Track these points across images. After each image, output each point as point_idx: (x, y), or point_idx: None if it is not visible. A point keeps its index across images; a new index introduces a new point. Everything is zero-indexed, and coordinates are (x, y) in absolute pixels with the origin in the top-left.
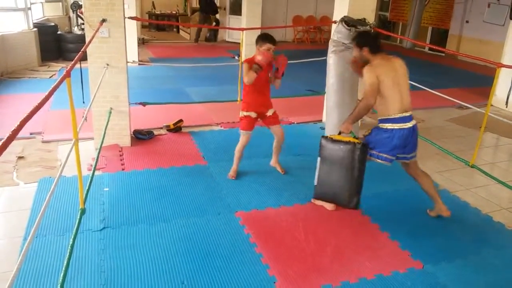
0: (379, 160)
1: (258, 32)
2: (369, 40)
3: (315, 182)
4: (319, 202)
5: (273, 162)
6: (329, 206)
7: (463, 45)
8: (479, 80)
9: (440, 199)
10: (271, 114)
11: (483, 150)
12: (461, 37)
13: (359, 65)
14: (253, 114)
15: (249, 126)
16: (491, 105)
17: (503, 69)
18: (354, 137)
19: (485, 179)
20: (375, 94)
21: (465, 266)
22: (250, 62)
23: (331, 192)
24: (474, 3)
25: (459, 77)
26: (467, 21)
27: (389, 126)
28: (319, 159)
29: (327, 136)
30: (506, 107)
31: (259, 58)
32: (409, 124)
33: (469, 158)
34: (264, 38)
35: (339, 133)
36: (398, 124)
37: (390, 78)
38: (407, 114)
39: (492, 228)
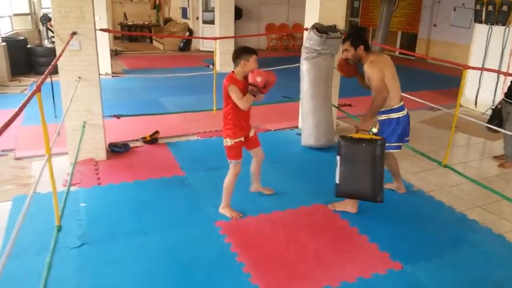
0: (391, 150)
1: (232, 41)
2: (364, 38)
3: (337, 181)
4: (341, 207)
5: (255, 187)
6: (352, 209)
7: (432, 48)
8: (449, 82)
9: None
10: (252, 135)
11: (455, 150)
12: (429, 40)
13: (348, 68)
14: (242, 139)
15: (240, 153)
16: (461, 106)
17: (471, 70)
18: (372, 133)
19: (458, 178)
20: (386, 86)
21: (443, 265)
22: (237, 82)
23: (355, 189)
24: (440, 7)
25: (429, 79)
26: (434, 25)
27: (395, 115)
28: (339, 158)
29: (345, 136)
30: (476, 107)
31: (258, 79)
32: (405, 112)
33: (441, 158)
34: (249, 50)
35: (357, 131)
36: (402, 112)
37: (390, 71)
38: (402, 103)
39: (467, 226)
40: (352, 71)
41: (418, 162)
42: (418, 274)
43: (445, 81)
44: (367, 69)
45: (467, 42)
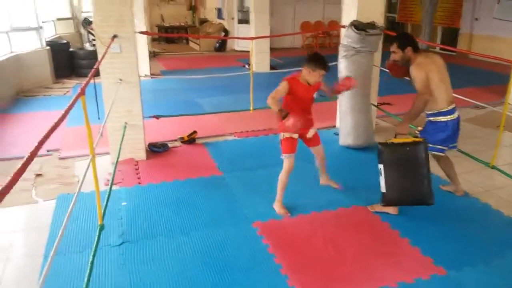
0: (433, 152)
1: (268, 40)
2: (411, 39)
3: (383, 190)
4: (381, 208)
5: (323, 180)
6: (393, 210)
7: (475, 43)
8: (493, 78)
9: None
10: (311, 135)
11: (502, 149)
12: (472, 35)
13: (398, 69)
14: (294, 135)
15: (293, 148)
16: (508, 104)
17: None
18: (414, 134)
19: (506, 180)
20: (427, 89)
21: (490, 271)
22: (295, 82)
23: (404, 195)
24: (483, 0)
25: (472, 76)
26: (476, 19)
27: (443, 119)
28: (382, 166)
29: (385, 142)
30: None
31: (289, 123)
32: (455, 115)
33: (488, 159)
34: (318, 62)
35: (395, 136)
36: (449, 116)
37: (436, 73)
38: (453, 106)
39: None
40: (402, 72)
41: (462, 163)
42: (463, 280)
43: (489, 77)
44: (412, 70)
45: None
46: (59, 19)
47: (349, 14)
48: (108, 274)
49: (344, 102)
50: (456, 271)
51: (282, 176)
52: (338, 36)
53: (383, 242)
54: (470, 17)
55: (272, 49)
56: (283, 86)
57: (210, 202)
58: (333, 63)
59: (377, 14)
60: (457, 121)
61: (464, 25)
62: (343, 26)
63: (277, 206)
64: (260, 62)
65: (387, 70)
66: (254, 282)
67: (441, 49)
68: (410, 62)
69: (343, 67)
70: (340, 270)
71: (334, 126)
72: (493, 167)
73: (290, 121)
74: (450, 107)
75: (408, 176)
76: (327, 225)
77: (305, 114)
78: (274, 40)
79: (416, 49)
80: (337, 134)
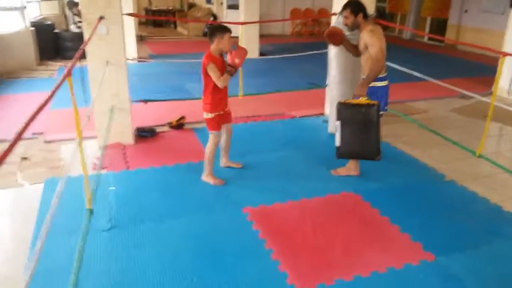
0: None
1: (257, 26)
2: (363, 6)
3: (338, 144)
4: (344, 172)
5: (224, 162)
6: (355, 172)
7: (462, 34)
8: (479, 70)
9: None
10: (227, 110)
11: (488, 139)
12: (460, 26)
13: (336, 36)
14: (221, 113)
15: (219, 125)
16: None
17: (505, 57)
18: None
19: (492, 168)
20: (384, 55)
21: (477, 257)
22: (215, 60)
23: (356, 149)
24: None
25: (459, 66)
26: (465, 11)
27: (380, 84)
28: (338, 122)
29: (344, 102)
30: (508, 95)
31: (237, 60)
32: (387, 81)
33: (474, 148)
34: (223, 28)
35: (353, 97)
36: (386, 81)
37: (384, 42)
38: (386, 74)
39: (502, 218)
40: (340, 40)
41: (449, 151)
42: (451, 266)
43: (475, 68)
44: (367, 36)
45: (500, 28)
46: (43, 0)
47: (340, 2)
48: (96, 259)
49: (333, 90)
50: (444, 257)
51: (211, 150)
52: (327, 24)
53: (373, 229)
54: (459, 8)
55: (261, 36)
56: (214, 68)
57: (200, 187)
58: (324, 51)
59: (367, 3)
60: (388, 87)
61: (452, 17)
62: (334, 14)
63: (210, 179)
64: (249, 48)
65: (326, 38)
66: (245, 267)
67: (429, 39)
68: (359, 28)
69: (334, 54)
70: (331, 256)
71: (322, 114)
72: (480, 156)
73: (237, 58)
74: (385, 74)
75: (360, 134)
76: (316, 211)
77: (225, 91)
78: (264, 27)
79: (366, 17)
80: (326, 121)
